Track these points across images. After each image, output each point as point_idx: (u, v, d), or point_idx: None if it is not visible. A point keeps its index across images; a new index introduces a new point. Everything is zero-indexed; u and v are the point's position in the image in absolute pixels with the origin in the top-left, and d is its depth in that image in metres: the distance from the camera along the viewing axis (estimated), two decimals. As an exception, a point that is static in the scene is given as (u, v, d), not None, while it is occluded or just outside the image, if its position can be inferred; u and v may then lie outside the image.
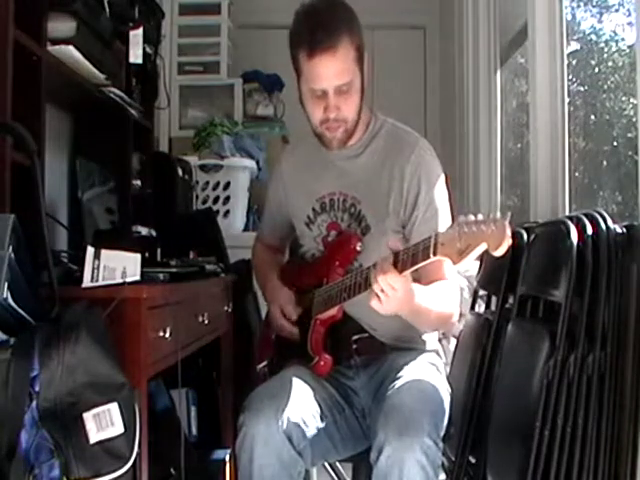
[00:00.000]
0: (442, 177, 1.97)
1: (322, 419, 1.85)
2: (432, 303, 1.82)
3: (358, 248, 1.91)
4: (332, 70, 1.83)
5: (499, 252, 1.46)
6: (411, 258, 1.62)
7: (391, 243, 1.71)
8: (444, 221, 1.90)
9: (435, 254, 1.55)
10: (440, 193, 1.95)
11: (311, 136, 1.99)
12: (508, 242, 1.45)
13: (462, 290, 2.25)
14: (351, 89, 1.87)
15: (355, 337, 1.97)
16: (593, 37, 3.02)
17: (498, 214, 1.47)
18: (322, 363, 1.91)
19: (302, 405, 1.80)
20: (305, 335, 1.95)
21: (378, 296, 1.67)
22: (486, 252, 1.48)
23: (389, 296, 1.66)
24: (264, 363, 2.10)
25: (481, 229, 1.46)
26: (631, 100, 2.62)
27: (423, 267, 1.82)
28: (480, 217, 1.49)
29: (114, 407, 1.36)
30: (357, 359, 1.99)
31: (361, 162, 2.00)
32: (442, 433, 1.78)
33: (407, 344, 1.99)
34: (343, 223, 1.99)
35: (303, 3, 1.89)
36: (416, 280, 1.88)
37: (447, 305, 1.89)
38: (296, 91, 1.94)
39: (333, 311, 1.91)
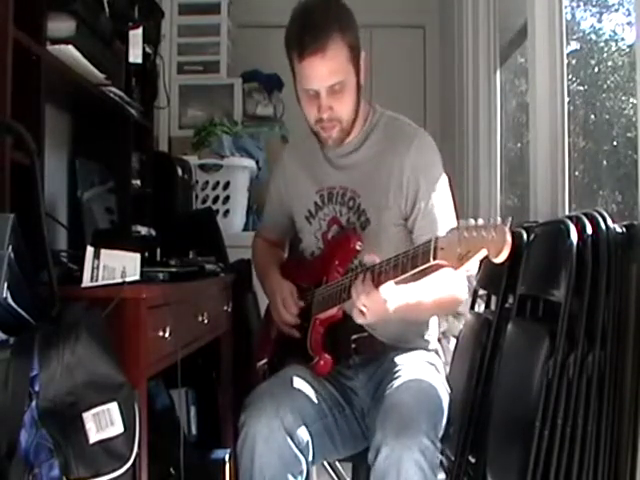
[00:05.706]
0: (441, 167, 1.96)
1: (323, 418, 1.85)
2: (425, 294, 1.81)
3: (358, 248, 1.90)
4: (322, 71, 1.83)
5: (500, 259, 1.45)
6: (411, 261, 1.62)
7: (367, 258, 1.74)
8: (445, 211, 1.90)
9: (435, 258, 1.55)
10: (440, 184, 1.93)
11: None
12: (508, 248, 1.44)
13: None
14: (344, 88, 1.86)
15: (354, 336, 1.97)
16: (593, 37, 3.02)
17: (498, 219, 1.46)
18: (322, 363, 1.91)
19: (303, 404, 1.81)
20: (305, 334, 1.95)
21: (361, 311, 1.71)
22: (487, 257, 1.47)
23: (370, 309, 1.70)
24: (264, 361, 2.10)
25: (481, 234, 1.46)
26: (631, 100, 2.62)
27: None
28: (480, 222, 1.48)
29: (114, 407, 1.36)
30: (356, 358, 1.98)
31: (359, 155, 1.99)
32: (441, 433, 1.78)
33: (406, 344, 1.99)
34: (342, 217, 1.99)
35: (300, 1, 1.88)
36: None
37: (447, 290, 1.86)
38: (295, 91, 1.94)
39: (333, 311, 1.91)
